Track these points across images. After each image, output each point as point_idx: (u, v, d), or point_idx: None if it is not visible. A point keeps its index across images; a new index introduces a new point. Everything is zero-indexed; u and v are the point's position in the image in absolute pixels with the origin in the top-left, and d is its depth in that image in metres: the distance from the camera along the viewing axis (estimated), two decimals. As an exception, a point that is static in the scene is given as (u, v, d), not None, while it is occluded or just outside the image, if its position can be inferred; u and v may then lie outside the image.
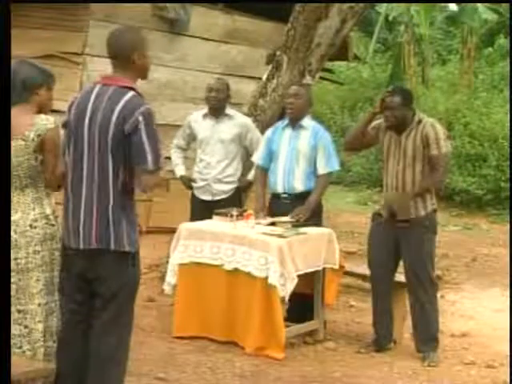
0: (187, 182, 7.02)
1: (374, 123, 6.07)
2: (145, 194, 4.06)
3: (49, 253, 4.29)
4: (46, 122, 4.25)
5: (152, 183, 3.95)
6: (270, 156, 6.50)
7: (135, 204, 4.06)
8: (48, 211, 4.32)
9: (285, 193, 6.41)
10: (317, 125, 6.51)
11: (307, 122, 6.43)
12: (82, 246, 3.99)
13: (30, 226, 4.25)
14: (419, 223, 5.89)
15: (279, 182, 6.42)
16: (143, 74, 4.09)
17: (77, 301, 4.10)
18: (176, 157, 7.09)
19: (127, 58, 3.99)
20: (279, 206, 6.40)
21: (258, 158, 6.61)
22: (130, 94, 3.93)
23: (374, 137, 6.06)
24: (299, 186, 6.37)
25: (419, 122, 5.88)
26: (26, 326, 4.24)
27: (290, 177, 6.38)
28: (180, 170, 7.08)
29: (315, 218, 6.33)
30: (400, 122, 5.87)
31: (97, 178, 3.93)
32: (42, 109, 4.37)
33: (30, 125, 4.21)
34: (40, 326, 4.26)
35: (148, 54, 4.08)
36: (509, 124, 13.61)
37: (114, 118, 3.88)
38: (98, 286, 4.01)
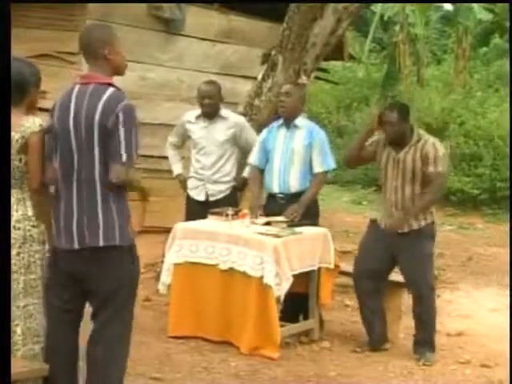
0: (183, 181, 7.03)
1: (373, 139, 6.10)
2: (116, 184, 3.95)
3: (28, 255, 4.26)
4: (32, 124, 4.22)
5: (123, 175, 3.90)
6: (266, 156, 6.50)
7: (126, 199, 4.05)
8: (30, 212, 4.29)
9: (281, 193, 6.41)
10: (311, 124, 6.50)
11: (301, 121, 6.43)
12: (76, 246, 3.97)
13: (14, 227, 4.22)
14: (419, 233, 5.92)
15: (275, 182, 6.42)
16: (118, 70, 4.09)
17: (64, 299, 4.09)
18: (172, 155, 7.11)
19: (98, 53, 4.01)
20: (275, 206, 6.40)
21: (252, 158, 6.62)
22: (110, 90, 3.95)
23: (373, 152, 6.09)
24: (295, 185, 6.37)
25: (418, 140, 5.91)
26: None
27: (285, 177, 6.38)
28: (177, 169, 7.09)
29: (312, 218, 6.34)
30: (400, 137, 5.92)
31: (86, 176, 3.94)
32: (32, 107, 4.36)
33: (17, 125, 4.19)
34: (18, 329, 4.23)
35: (120, 49, 4.08)
36: (508, 125, 13.63)
37: (97, 116, 3.89)
38: (91, 284, 4.00)
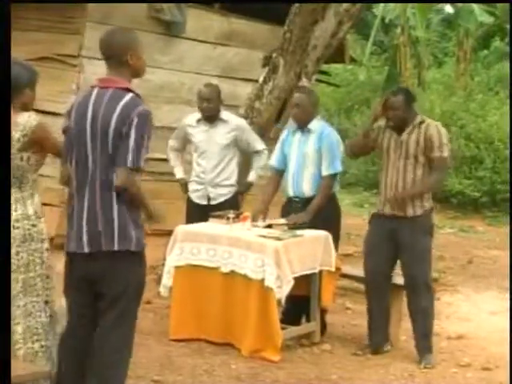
0: (184, 185, 7.02)
1: (375, 125, 6.10)
2: (121, 191, 3.89)
3: (27, 254, 4.27)
4: (28, 118, 4.25)
5: (125, 180, 3.86)
6: (285, 158, 6.51)
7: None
8: (30, 212, 4.30)
9: (296, 197, 6.41)
10: (323, 125, 6.46)
11: (315, 124, 6.39)
12: (86, 250, 3.96)
13: (13, 226, 4.22)
14: (416, 223, 5.91)
15: (290, 187, 6.43)
16: (137, 73, 4.10)
17: (79, 304, 4.09)
18: (173, 158, 7.11)
19: (120, 58, 4.00)
20: (291, 209, 6.40)
21: (272, 160, 6.62)
22: (129, 96, 3.94)
23: (376, 139, 6.08)
24: (308, 190, 6.36)
25: (421, 122, 5.92)
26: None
27: (299, 181, 6.38)
28: (178, 172, 7.09)
29: (330, 220, 6.32)
30: (402, 122, 5.91)
31: (100, 180, 3.93)
32: (26, 107, 4.37)
33: (13, 124, 4.20)
34: (19, 328, 4.24)
35: (142, 54, 4.08)
36: (509, 127, 13.63)
37: (113, 121, 3.88)
38: (103, 286, 3.99)
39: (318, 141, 6.34)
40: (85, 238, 3.95)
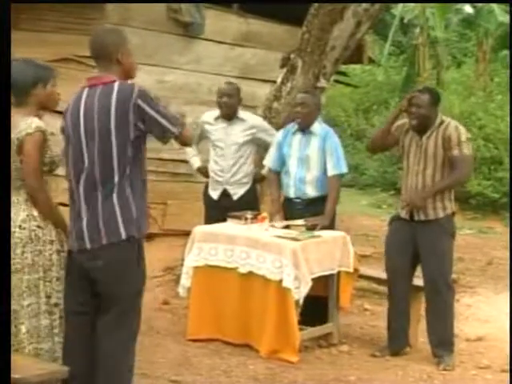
0: (205, 171, 7.04)
1: (397, 124, 6.06)
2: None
3: (32, 254, 4.28)
4: (27, 126, 4.23)
5: (187, 138, 4.10)
6: (282, 158, 6.50)
7: (144, 190, 4.05)
8: (36, 212, 4.31)
9: (297, 198, 6.41)
10: (326, 128, 6.47)
11: (316, 126, 6.41)
12: (88, 246, 3.98)
13: (19, 226, 4.24)
14: (438, 225, 5.88)
15: (291, 188, 6.43)
16: (129, 73, 4.12)
17: (79, 302, 4.10)
18: (189, 150, 7.11)
19: (111, 57, 4.03)
20: (293, 210, 6.41)
21: (269, 161, 6.62)
22: (116, 85, 3.96)
23: (397, 137, 6.04)
24: (311, 191, 6.37)
25: (441, 123, 5.88)
26: (15, 326, 4.23)
27: (301, 183, 6.39)
28: (196, 162, 7.12)
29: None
30: (424, 121, 5.86)
31: (99, 175, 3.94)
32: (45, 106, 4.37)
33: (14, 127, 4.20)
34: (23, 328, 4.25)
35: (131, 53, 4.10)
36: (509, 128, 13.58)
37: (112, 115, 3.90)
38: (102, 285, 4.00)
39: (321, 143, 6.34)
40: (86, 234, 3.97)
